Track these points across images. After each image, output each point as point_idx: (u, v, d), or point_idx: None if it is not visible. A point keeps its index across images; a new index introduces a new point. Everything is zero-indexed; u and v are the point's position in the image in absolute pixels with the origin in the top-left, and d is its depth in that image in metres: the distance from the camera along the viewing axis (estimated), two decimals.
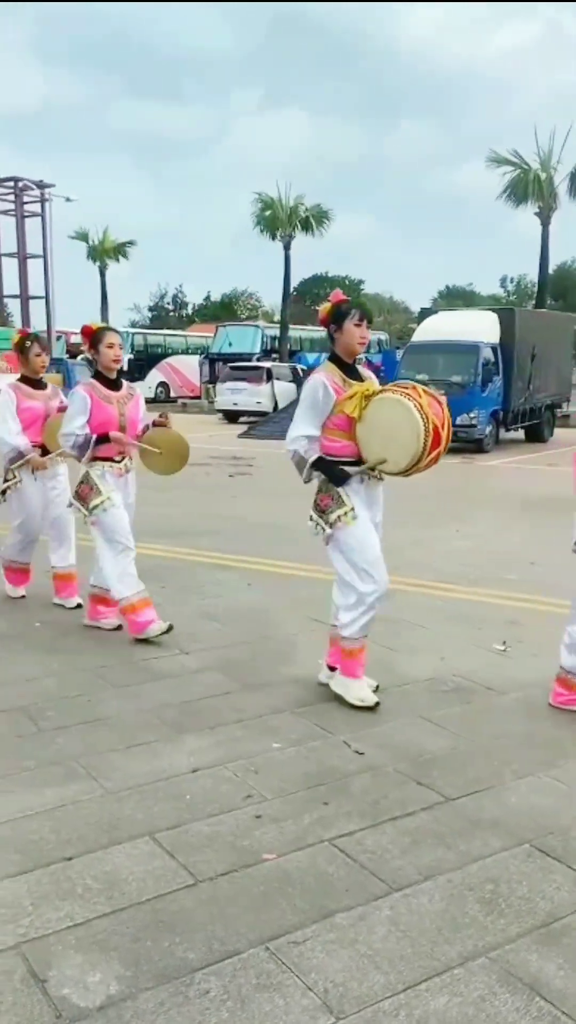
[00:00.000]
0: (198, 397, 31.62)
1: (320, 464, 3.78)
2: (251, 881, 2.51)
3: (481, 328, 16.72)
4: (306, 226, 35.11)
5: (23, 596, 5.53)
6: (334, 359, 3.84)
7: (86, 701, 3.86)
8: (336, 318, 3.76)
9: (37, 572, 6.09)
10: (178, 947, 2.21)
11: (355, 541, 3.79)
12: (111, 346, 4.63)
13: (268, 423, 21.63)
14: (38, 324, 33.85)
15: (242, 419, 24.21)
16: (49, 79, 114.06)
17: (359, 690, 3.84)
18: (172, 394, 32.89)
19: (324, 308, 3.83)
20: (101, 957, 2.16)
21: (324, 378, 3.74)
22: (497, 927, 2.32)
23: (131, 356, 33.98)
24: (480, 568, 6.58)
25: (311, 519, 3.89)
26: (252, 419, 23.22)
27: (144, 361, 33.61)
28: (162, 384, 33.14)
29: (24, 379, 5.31)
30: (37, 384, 5.33)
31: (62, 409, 5.06)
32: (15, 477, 5.24)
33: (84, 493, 4.63)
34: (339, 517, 3.78)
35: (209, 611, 5.31)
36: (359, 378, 3.81)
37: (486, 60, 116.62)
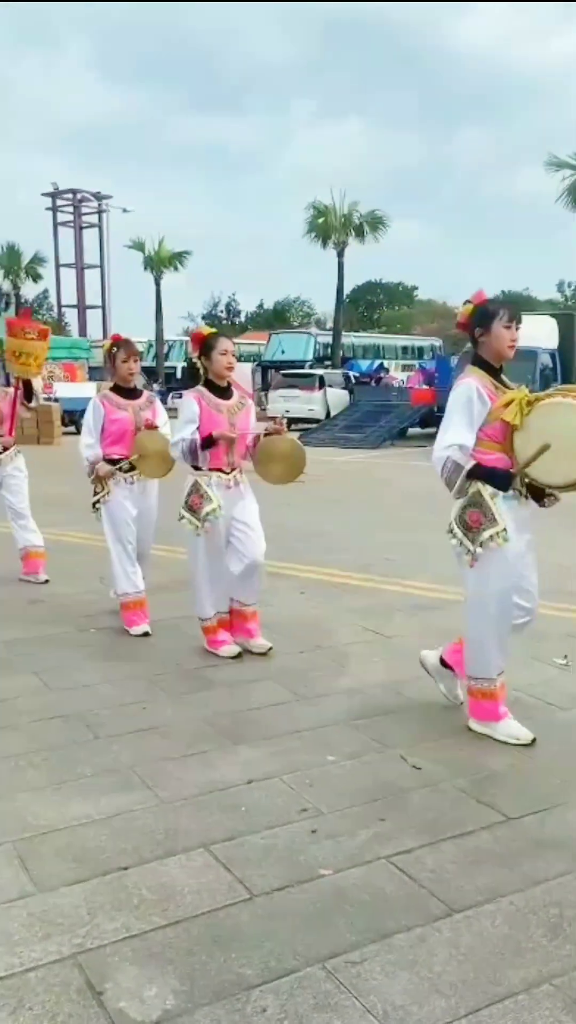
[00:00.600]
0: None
1: (478, 471, 3.41)
2: (307, 897, 2.47)
3: (539, 334, 16.49)
4: (360, 233, 35.04)
5: (147, 633, 4.98)
6: (481, 363, 3.52)
7: (141, 709, 3.87)
8: (481, 320, 3.46)
9: (90, 577, 6.16)
10: (234, 963, 2.18)
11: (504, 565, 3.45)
12: (224, 353, 4.43)
13: (320, 430, 21.66)
14: (94, 333, 34.47)
15: (294, 426, 24.23)
16: (112, 94, 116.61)
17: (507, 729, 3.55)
18: None
19: (465, 310, 3.53)
20: (157, 970, 2.14)
21: (476, 383, 3.43)
22: (562, 953, 2.24)
23: (184, 364, 34.32)
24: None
25: (454, 536, 3.52)
26: (304, 426, 23.24)
27: (198, 368, 33.80)
28: None
29: (115, 388, 5.10)
30: (128, 393, 5.09)
31: (149, 426, 4.95)
32: (104, 489, 5.03)
33: (195, 503, 4.42)
34: (491, 537, 3.41)
35: (263, 620, 5.28)
36: (507, 385, 3.50)
37: (545, 64, 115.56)
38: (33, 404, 6.45)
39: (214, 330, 4.60)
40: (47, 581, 6.20)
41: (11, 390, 6.28)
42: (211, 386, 4.48)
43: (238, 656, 4.55)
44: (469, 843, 2.76)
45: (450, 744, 3.52)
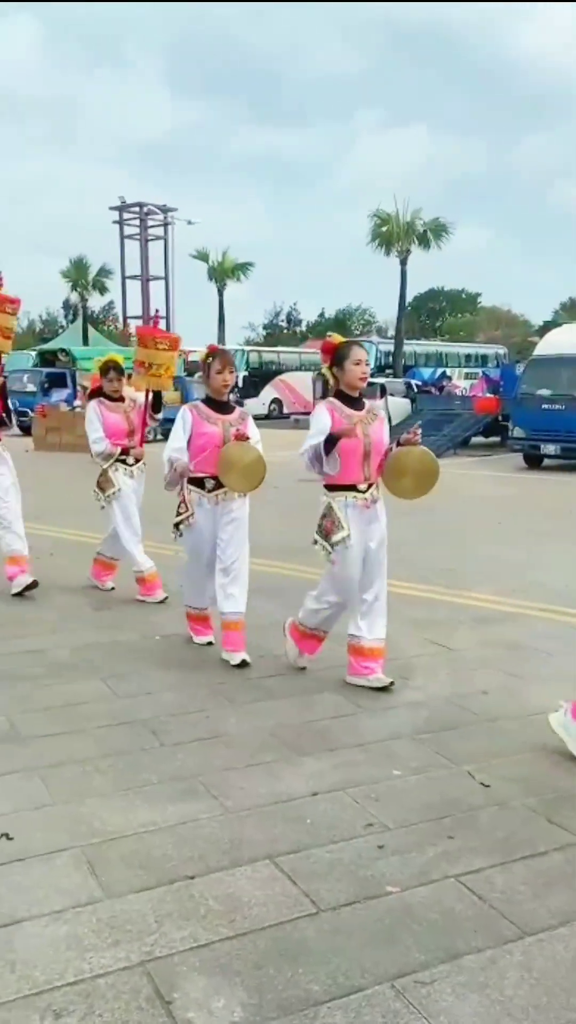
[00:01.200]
0: (309, 413, 31.80)
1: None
2: (374, 914, 2.44)
3: None
4: (423, 240, 34.86)
5: (211, 643, 4.94)
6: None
7: (205, 717, 3.88)
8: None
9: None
10: (301, 978, 2.16)
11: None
12: (358, 363, 4.20)
13: None
14: None
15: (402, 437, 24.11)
16: (179, 109, 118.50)
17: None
18: (285, 410, 33.24)
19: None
20: (225, 982, 2.14)
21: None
22: None
23: (246, 373, 34.62)
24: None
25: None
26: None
27: (258, 378, 34.12)
28: (275, 400, 33.55)
29: (207, 400, 4.77)
30: (221, 407, 4.74)
31: (240, 437, 4.57)
32: (188, 510, 4.69)
33: (328, 528, 4.21)
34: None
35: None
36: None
37: None
38: (160, 415, 6.22)
39: (347, 339, 4.37)
40: (112, 588, 6.28)
41: (140, 401, 6.08)
42: (342, 396, 4.25)
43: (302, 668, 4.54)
44: (540, 864, 2.69)
45: (519, 761, 3.44)
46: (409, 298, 40.88)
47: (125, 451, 6.02)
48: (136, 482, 6.07)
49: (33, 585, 5.99)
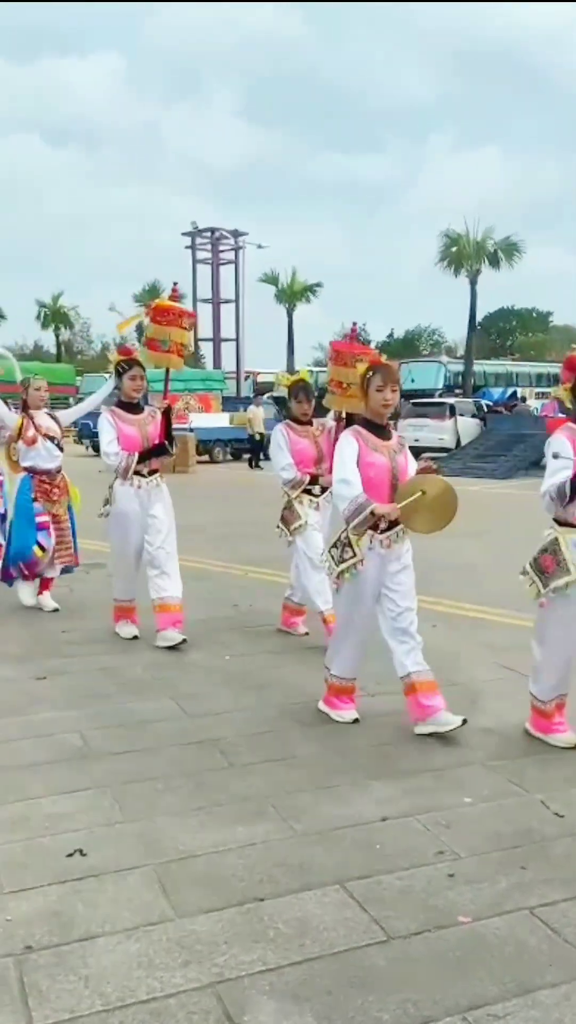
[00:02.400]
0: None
1: None
2: (446, 944, 2.40)
3: None
4: (494, 260, 34.58)
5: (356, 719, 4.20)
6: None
7: (274, 738, 3.89)
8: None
9: (223, 604, 6.28)
10: (372, 1006, 2.14)
11: None
12: None
13: (451, 459, 21.34)
14: (228, 365, 35.46)
15: (424, 456, 23.97)
16: (254, 139, 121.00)
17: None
18: None
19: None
20: (295, 1007, 2.13)
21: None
22: None
23: (316, 394, 34.71)
24: None
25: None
26: (435, 456, 22.97)
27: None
28: None
29: (367, 423, 4.11)
30: (381, 431, 4.10)
31: (428, 470, 4.08)
32: (356, 555, 3.97)
33: (548, 566, 3.90)
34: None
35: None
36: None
37: None
38: None
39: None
40: (306, 634, 5.84)
41: (329, 425, 5.56)
42: None
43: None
44: None
45: None
46: (479, 318, 40.54)
47: (313, 479, 5.40)
48: (322, 515, 5.39)
49: (181, 643, 5.31)
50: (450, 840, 2.97)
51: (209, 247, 37.91)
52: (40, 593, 6.47)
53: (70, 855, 2.86)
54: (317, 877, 2.73)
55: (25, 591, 6.46)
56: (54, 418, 6.51)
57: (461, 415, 25.16)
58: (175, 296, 6.05)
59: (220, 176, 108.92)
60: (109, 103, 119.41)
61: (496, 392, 33.40)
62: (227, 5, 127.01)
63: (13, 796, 3.30)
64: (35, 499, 6.26)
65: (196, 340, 39.51)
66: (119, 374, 5.53)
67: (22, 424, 6.42)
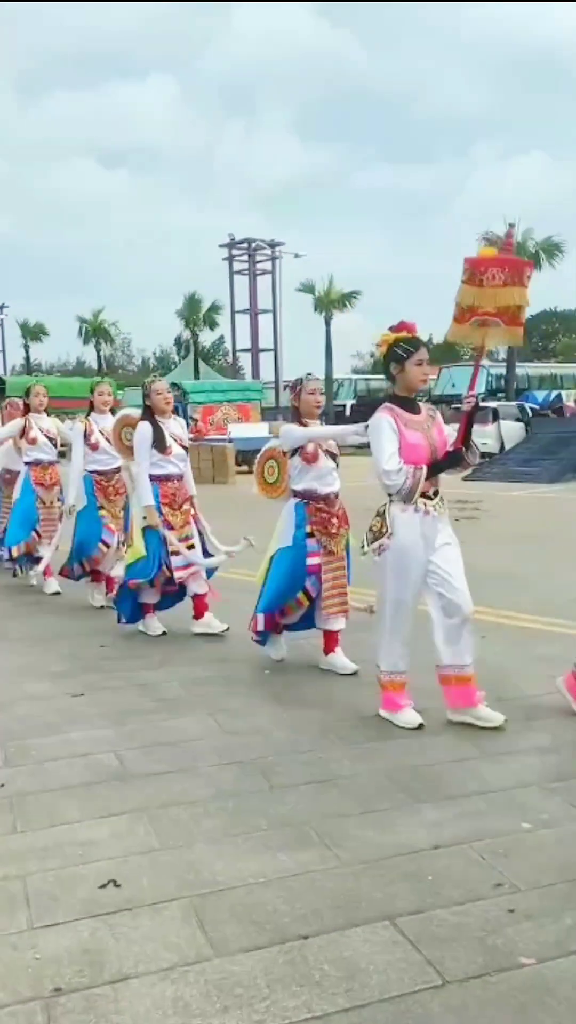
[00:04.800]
0: None
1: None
2: (507, 989, 2.20)
3: None
4: (536, 260, 34.08)
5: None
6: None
7: (317, 758, 3.71)
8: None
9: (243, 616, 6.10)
10: None
11: None
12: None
13: (495, 464, 20.95)
14: (266, 375, 35.47)
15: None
16: (306, 155, 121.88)
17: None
18: None
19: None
20: None
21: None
22: None
23: (354, 401, 34.53)
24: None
25: None
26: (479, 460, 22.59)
27: (368, 406, 33.98)
28: None
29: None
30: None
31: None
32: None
33: None
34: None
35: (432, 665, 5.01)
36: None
37: None
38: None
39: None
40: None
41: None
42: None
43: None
44: None
45: None
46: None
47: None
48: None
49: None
50: (508, 871, 2.76)
51: (246, 258, 37.99)
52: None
53: (103, 886, 2.71)
54: (364, 912, 2.54)
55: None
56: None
57: (504, 419, 24.75)
58: (509, 244, 4.40)
59: (271, 193, 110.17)
60: (164, 125, 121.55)
61: (540, 395, 32.84)
62: (279, 23, 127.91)
63: (48, 821, 3.17)
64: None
65: (235, 351, 39.65)
66: (400, 358, 3.98)
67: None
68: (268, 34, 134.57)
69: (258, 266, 38.07)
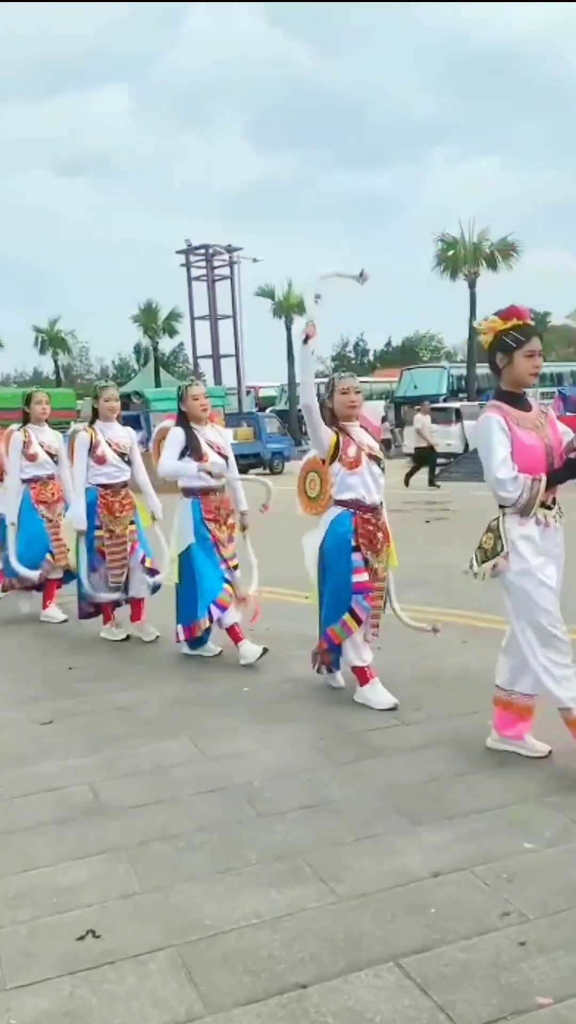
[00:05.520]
0: (385, 442, 31.41)
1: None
2: None
3: None
4: (491, 262, 34.33)
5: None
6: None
7: (305, 780, 3.53)
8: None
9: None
10: None
11: None
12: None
13: (460, 464, 21.00)
14: (228, 381, 35.21)
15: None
16: (261, 161, 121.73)
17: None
18: None
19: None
20: None
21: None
22: None
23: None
24: None
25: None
26: (443, 461, 22.61)
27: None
28: None
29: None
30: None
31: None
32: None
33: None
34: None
35: (427, 674, 4.87)
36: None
37: None
38: None
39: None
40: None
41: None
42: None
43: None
44: None
45: None
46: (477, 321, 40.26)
47: None
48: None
49: None
50: (514, 897, 2.59)
51: (204, 264, 37.70)
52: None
53: (81, 937, 2.50)
54: (367, 953, 2.36)
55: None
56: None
57: (467, 419, 24.80)
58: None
59: (228, 200, 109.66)
60: (120, 134, 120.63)
61: None
62: (232, 31, 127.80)
63: (18, 865, 2.95)
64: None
65: (196, 357, 39.31)
66: (508, 348, 3.54)
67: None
68: (221, 43, 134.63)
69: (216, 272, 37.76)
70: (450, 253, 34.60)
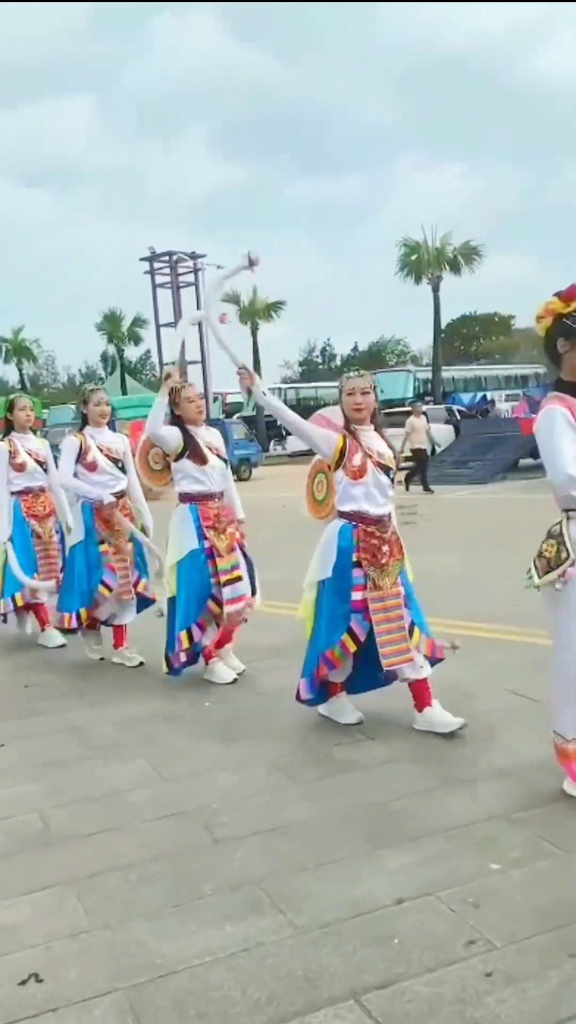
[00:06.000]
0: None
1: None
2: None
3: None
4: (455, 266, 34.53)
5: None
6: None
7: (265, 802, 3.39)
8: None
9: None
10: None
11: None
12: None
13: (428, 467, 20.96)
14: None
15: (402, 465, 23.62)
16: (226, 170, 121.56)
17: None
18: None
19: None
20: None
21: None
22: None
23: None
24: None
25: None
26: (407, 464, 22.62)
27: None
28: None
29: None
30: None
31: None
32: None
33: None
34: None
35: (395, 684, 4.75)
36: None
37: None
38: None
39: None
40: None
41: None
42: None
43: None
44: None
45: None
46: (442, 325, 40.48)
47: None
48: None
49: None
50: (481, 923, 2.48)
51: (168, 271, 37.48)
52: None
53: (23, 982, 2.34)
54: (327, 991, 2.23)
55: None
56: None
57: (434, 422, 24.86)
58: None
59: (193, 209, 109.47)
60: (84, 144, 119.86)
61: (466, 397, 33.20)
62: (194, 41, 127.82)
63: None
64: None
65: (162, 364, 39.04)
66: (570, 332, 3.18)
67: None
68: (184, 53, 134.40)
69: (181, 279, 37.52)
70: (413, 257, 34.76)
